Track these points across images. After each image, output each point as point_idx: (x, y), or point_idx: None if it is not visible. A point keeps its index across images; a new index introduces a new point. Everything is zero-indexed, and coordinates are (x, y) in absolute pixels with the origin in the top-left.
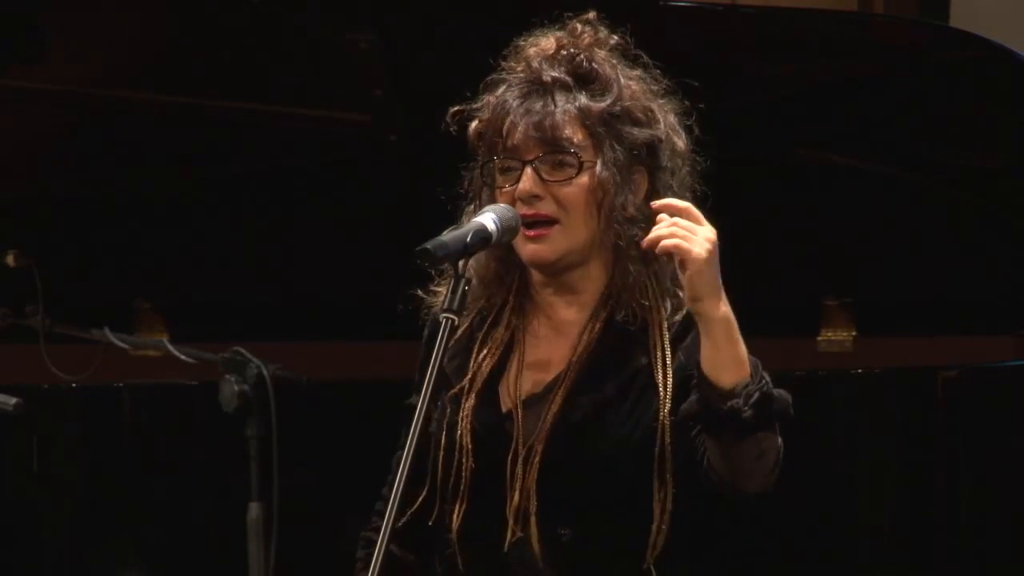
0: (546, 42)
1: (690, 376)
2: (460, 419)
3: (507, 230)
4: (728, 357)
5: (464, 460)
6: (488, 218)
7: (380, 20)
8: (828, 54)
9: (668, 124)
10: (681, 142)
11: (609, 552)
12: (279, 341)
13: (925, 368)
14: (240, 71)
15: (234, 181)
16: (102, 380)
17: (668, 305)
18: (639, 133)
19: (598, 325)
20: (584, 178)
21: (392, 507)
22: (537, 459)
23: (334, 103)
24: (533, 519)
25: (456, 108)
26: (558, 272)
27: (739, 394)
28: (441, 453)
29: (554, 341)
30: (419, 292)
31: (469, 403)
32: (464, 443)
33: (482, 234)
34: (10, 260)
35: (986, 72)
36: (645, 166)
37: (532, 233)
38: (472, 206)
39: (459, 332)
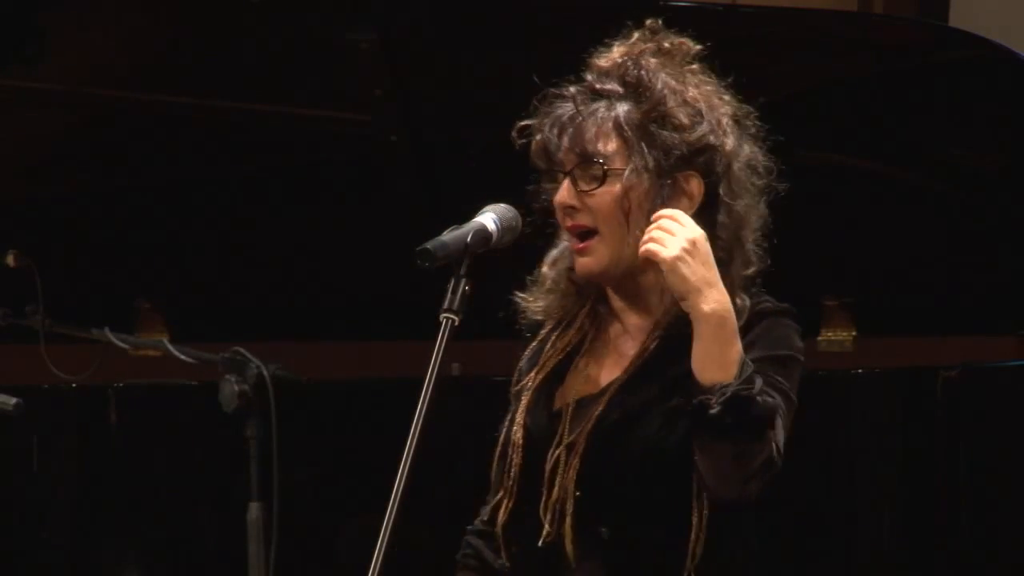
0: (608, 55)
1: None
2: (516, 414)
3: (507, 230)
4: (714, 356)
5: (514, 456)
6: (488, 218)
7: (380, 20)
8: (828, 54)
9: (720, 127)
10: (730, 143)
11: (648, 554)
12: (279, 341)
13: (925, 368)
14: (240, 71)
15: (234, 181)
16: (102, 380)
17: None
18: (680, 138)
19: (659, 331)
20: (614, 187)
21: (393, 507)
22: (576, 458)
23: (334, 103)
24: (569, 518)
25: (523, 123)
26: (614, 281)
27: (715, 392)
28: (498, 449)
29: (621, 346)
30: (518, 295)
31: (525, 401)
32: (515, 439)
33: (482, 234)
34: (10, 260)
35: (986, 72)
36: (698, 171)
37: (579, 246)
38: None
39: (542, 333)
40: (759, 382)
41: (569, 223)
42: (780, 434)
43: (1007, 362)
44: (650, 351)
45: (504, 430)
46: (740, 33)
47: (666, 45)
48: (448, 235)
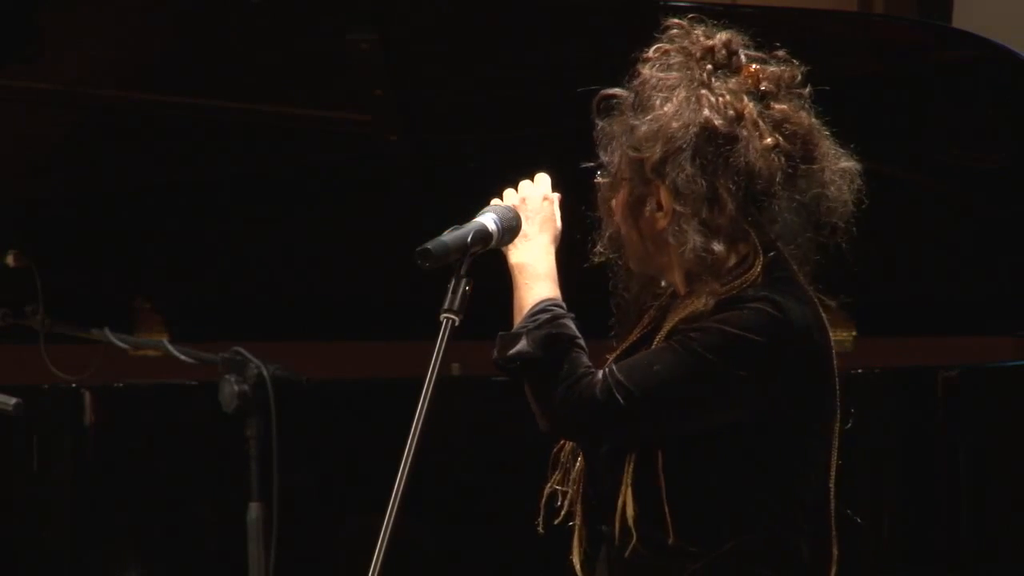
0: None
1: None
2: None
3: (507, 231)
4: (517, 303)
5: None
6: (489, 218)
7: (380, 20)
8: (828, 54)
9: (666, 133)
10: (658, 153)
11: (638, 546)
12: (279, 341)
13: (925, 368)
14: (240, 71)
15: (234, 181)
16: (102, 380)
17: (702, 302)
18: (632, 148)
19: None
20: (603, 195)
21: (393, 507)
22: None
23: (334, 103)
24: (578, 512)
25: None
26: (648, 277)
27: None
28: None
29: None
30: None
31: None
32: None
33: (482, 234)
34: (10, 260)
35: (986, 72)
36: (661, 179)
37: None
38: None
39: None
40: (543, 318)
41: None
42: (624, 374)
43: (1007, 362)
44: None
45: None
46: (740, 33)
47: (679, 45)
48: (448, 235)
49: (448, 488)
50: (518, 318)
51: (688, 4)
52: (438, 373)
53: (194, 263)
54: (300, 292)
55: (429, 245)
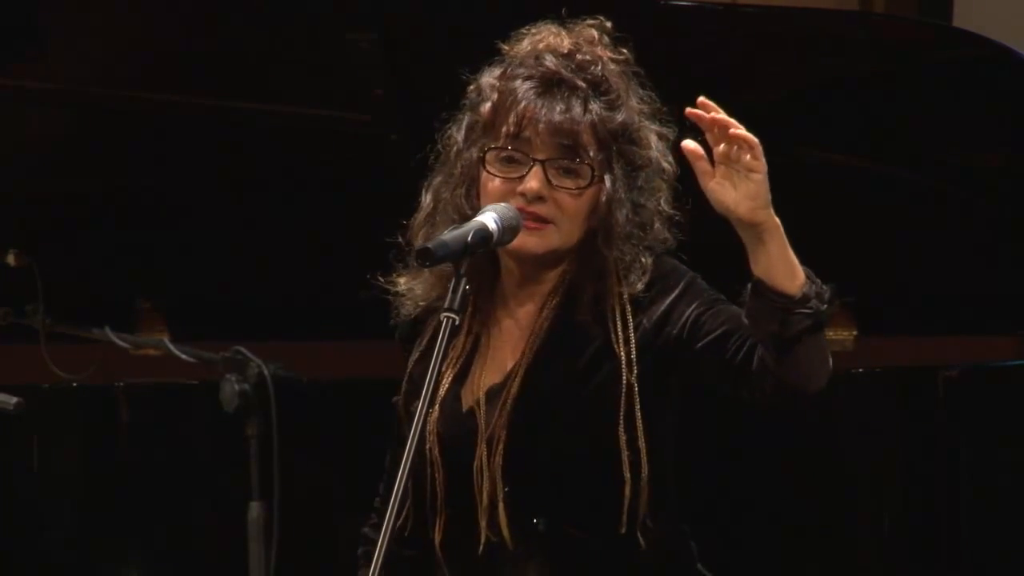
0: (557, 39)
1: (660, 340)
2: (428, 434)
3: (508, 230)
4: (791, 261)
5: (436, 474)
6: (489, 218)
7: (380, 20)
8: (828, 54)
9: (657, 148)
10: (669, 166)
11: (588, 533)
12: (279, 341)
13: (925, 368)
14: (240, 71)
15: (234, 181)
16: (102, 380)
17: (632, 276)
18: (638, 153)
19: (553, 307)
20: (592, 190)
21: (392, 508)
22: (501, 446)
23: (334, 103)
24: (503, 516)
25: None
26: (534, 265)
27: (813, 295)
28: (405, 464)
29: (515, 332)
30: (390, 279)
31: (433, 416)
32: (434, 456)
33: (483, 234)
34: (10, 260)
35: (986, 72)
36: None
37: (532, 225)
38: (440, 177)
39: (423, 343)
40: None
41: (528, 209)
42: None
43: (1007, 362)
44: (547, 326)
45: (409, 445)
46: (740, 33)
47: (623, 52)
48: (448, 234)
49: None
50: (795, 271)
51: (688, 4)
52: (438, 373)
53: (194, 263)
54: (300, 292)
55: (429, 244)
